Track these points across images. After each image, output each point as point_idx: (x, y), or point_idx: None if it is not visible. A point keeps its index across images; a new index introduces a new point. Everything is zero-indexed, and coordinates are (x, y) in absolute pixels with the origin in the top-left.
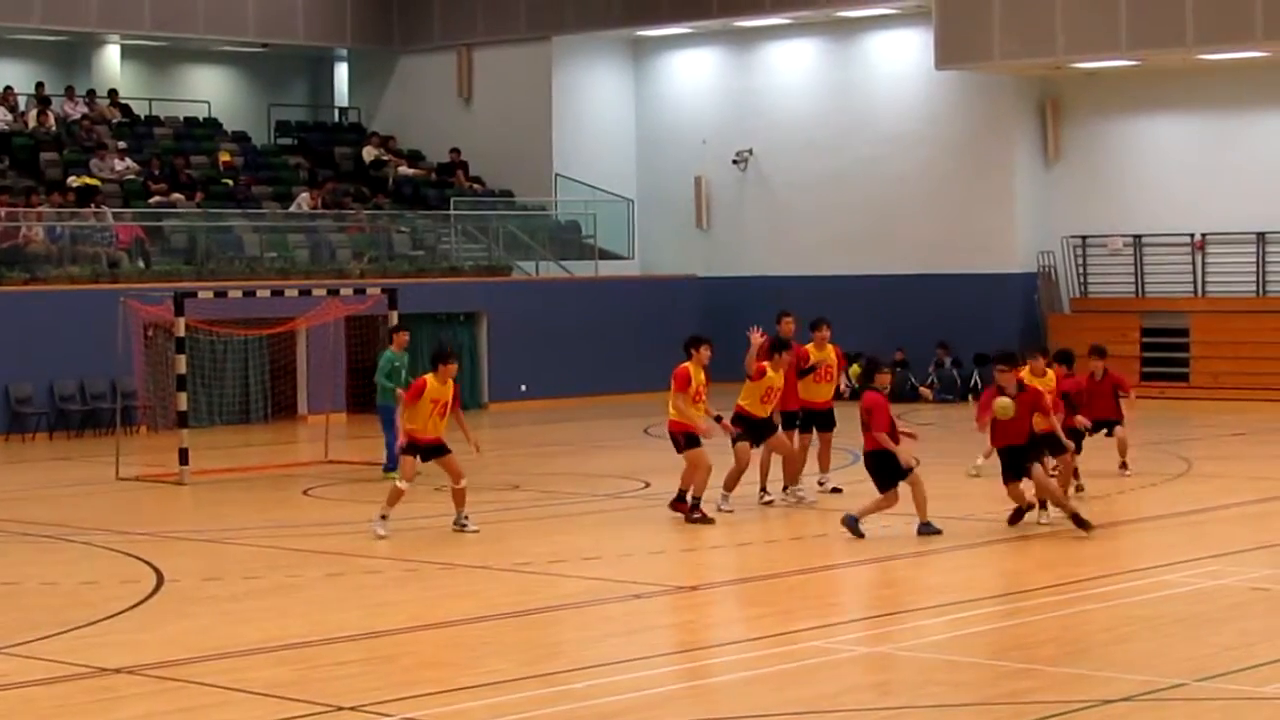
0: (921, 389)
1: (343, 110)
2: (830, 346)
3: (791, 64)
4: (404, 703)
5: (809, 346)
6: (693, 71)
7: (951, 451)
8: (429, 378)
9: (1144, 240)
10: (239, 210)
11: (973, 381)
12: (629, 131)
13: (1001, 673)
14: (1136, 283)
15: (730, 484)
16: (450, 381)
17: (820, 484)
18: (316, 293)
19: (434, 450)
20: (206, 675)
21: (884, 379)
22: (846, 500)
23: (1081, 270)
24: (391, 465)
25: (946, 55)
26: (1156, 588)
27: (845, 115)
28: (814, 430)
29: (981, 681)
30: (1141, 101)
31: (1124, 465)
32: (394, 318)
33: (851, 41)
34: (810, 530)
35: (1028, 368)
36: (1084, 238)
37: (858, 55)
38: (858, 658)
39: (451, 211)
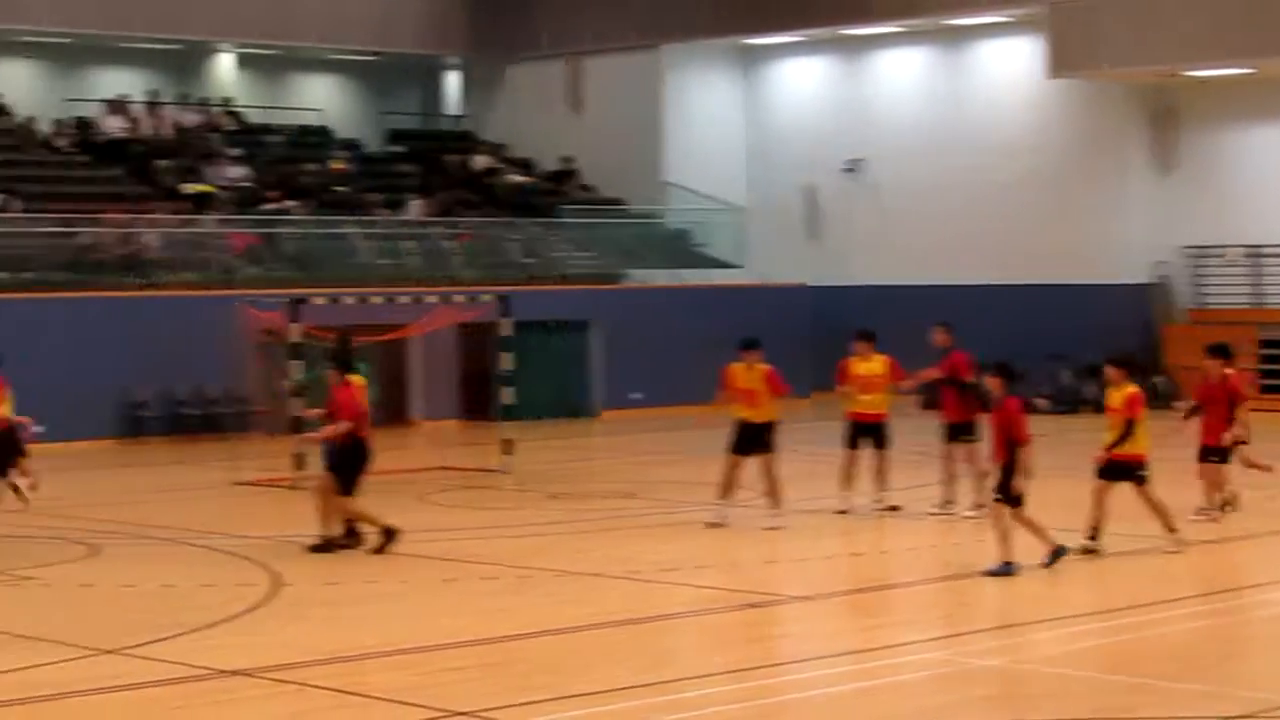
0: (1034, 400)
1: (454, 118)
2: (879, 357)
3: (901, 72)
4: (518, 709)
5: (854, 360)
6: (803, 80)
7: (1065, 465)
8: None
9: (1262, 251)
10: (351, 217)
11: (1087, 393)
12: (739, 139)
13: (1113, 687)
14: (1254, 294)
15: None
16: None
17: (876, 501)
18: (428, 300)
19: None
20: (323, 679)
21: (994, 382)
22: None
23: (1197, 281)
24: None
25: (1058, 64)
26: (1273, 604)
27: (955, 124)
28: (866, 444)
29: (1093, 696)
30: (1257, 110)
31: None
32: (507, 326)
33: (961, 50)
34: (924, 541)
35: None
36: (1200, 248)
37: (968, 63)
38: (969, 670)
39: (563, 219)
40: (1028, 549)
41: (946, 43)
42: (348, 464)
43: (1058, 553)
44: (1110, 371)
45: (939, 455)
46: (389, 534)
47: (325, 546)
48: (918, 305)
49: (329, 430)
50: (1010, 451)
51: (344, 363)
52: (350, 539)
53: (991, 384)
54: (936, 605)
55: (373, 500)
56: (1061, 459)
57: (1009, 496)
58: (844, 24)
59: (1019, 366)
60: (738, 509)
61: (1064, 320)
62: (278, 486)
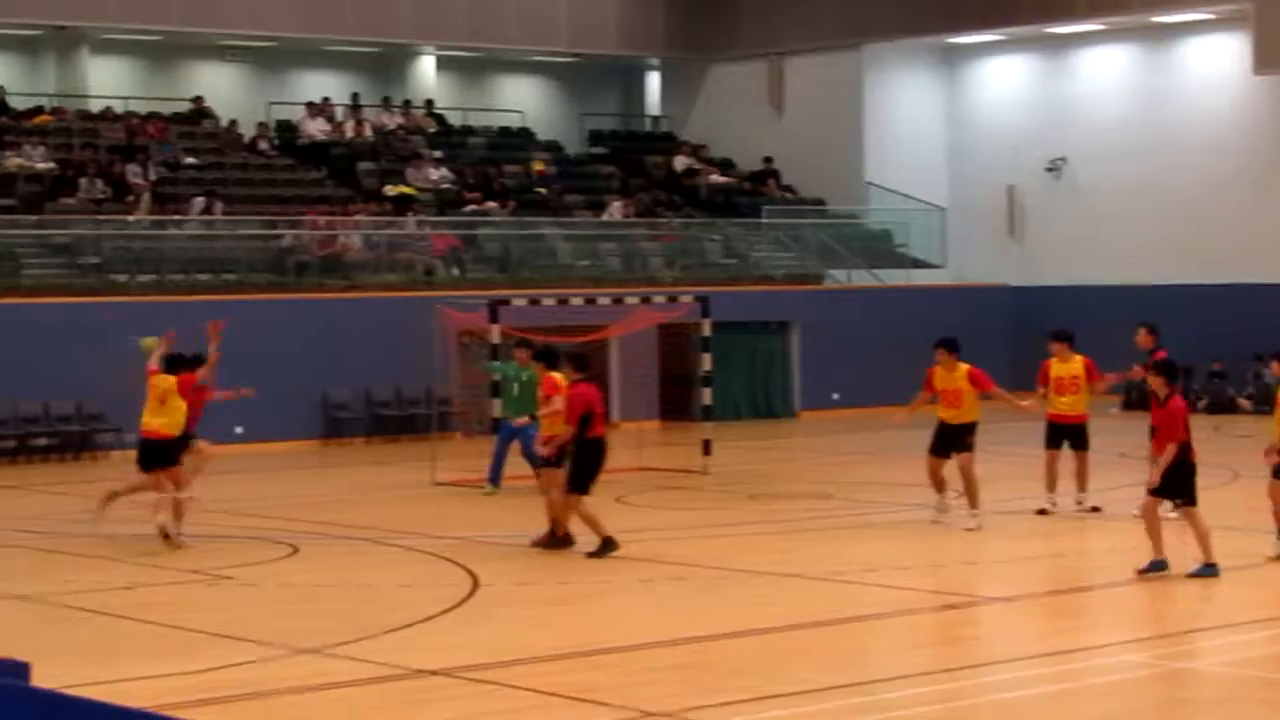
0: (1239, 400)
1: (654, 119)
2: (1076, 358)
3: (1104, 70)
4: (713, 710)
5: (1053, 361)
6: (1005, 79)
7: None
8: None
9: None
10: (551, 219)
11: None
12: (940, 139)
13: None
14: None
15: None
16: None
17: (1078, 503)
18: (629, 301)
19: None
20: (520, 679)
21: (1157, 382)
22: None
23: None
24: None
25: (1264, 60)
26: None
27: (1159, 122)
28: (1066, 445)
29: None
30: None
31: None
32: (707, 326)
33: (1165, 47)
34: (1126, 543)
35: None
36: None
37: (1172, 61)
38: (1170, 673)
39: (763, 220)
40: (1226, 551)
41: (1150, 40)
42: (589, 462)
43: (1156, 565)
44: (1276, 367)
45: (1146, 456)
46: (608, 544)
47: (557, 542)
48: (1120, 305)
49: (558, 433)
50: (1180, 451)
51: (551, 358)
52: (564, 540)
53: (1155, 383)
54: (1136, 607)
55: None
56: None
57: (1168, 493)
58: (1047, 22)
59: (1204, 367)
60: (949, 507)
61: (1270, 319)
62: (478, 487)
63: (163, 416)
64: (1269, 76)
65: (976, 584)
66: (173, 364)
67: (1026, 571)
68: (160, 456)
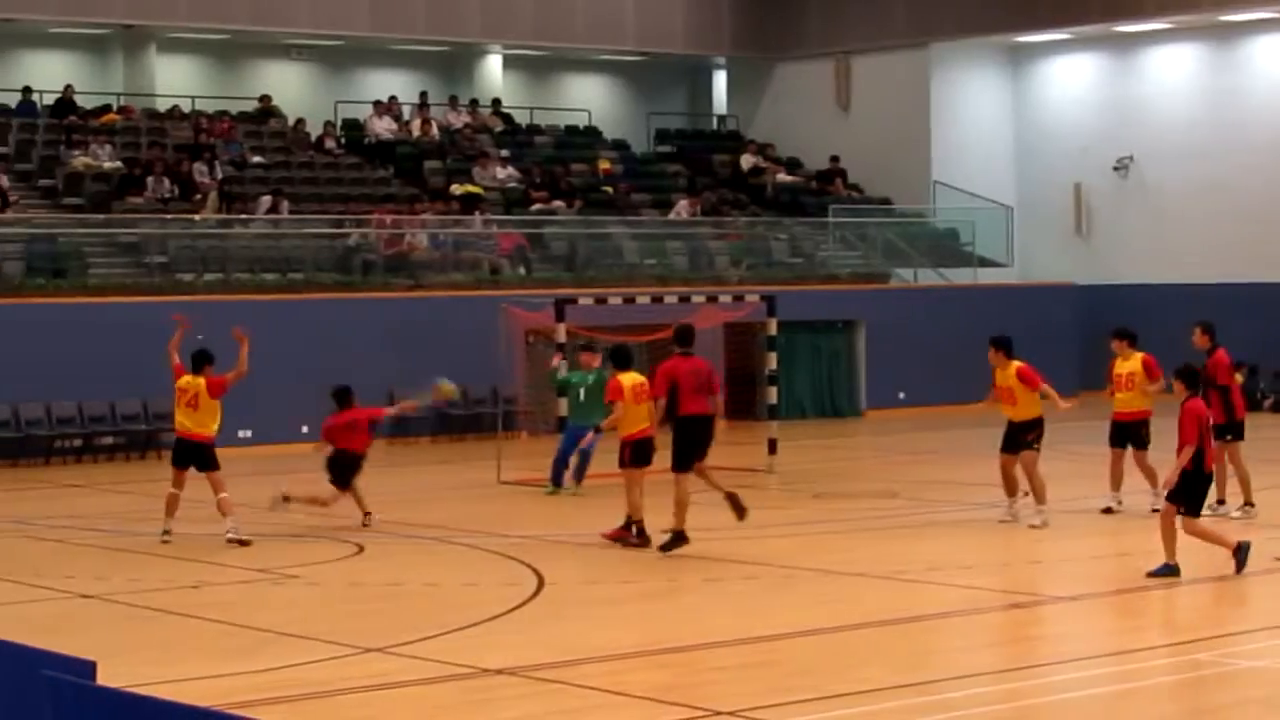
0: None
1: (721, 118)
2: (1137, 355)
3: (1172, 69)
4: (779, 708)
5: (1117, 360)
6: (1072, 77)
7: None
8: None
9: None
10: (618, 217)
11: None
12: (1007, 138)
13: None
14: None
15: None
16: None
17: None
18: (695, 299)
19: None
20: (585, 678)
21: (1178, 385)
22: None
23: None
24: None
25: None
26: None
27: (1226, 121)
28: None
29: None
30: None
31: None
32: (773, 325)
33: (1234, 46)
34: (1192, 541)
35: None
36: None
37: (1240, 60)
38: (1238, 672)
39: (829, 219)
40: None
41: (1218, 39)
42: (680, 440)
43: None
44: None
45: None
46: (678, 538)
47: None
48: (1187, 304)
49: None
50: (1195, 457)
51: (623, 359)
52: (640, 539)
53: (1177, 387)
54: (1202, 605)
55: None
56: None
57: (1177, 498)
58: (1115, 21)
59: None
60: (1017, 514)
61: None
62: (543, 486)
63: (195, 418)
64: None
65: (1041, 583)
66: (198, 361)
67: (1091, 570)
68: (194, 457)
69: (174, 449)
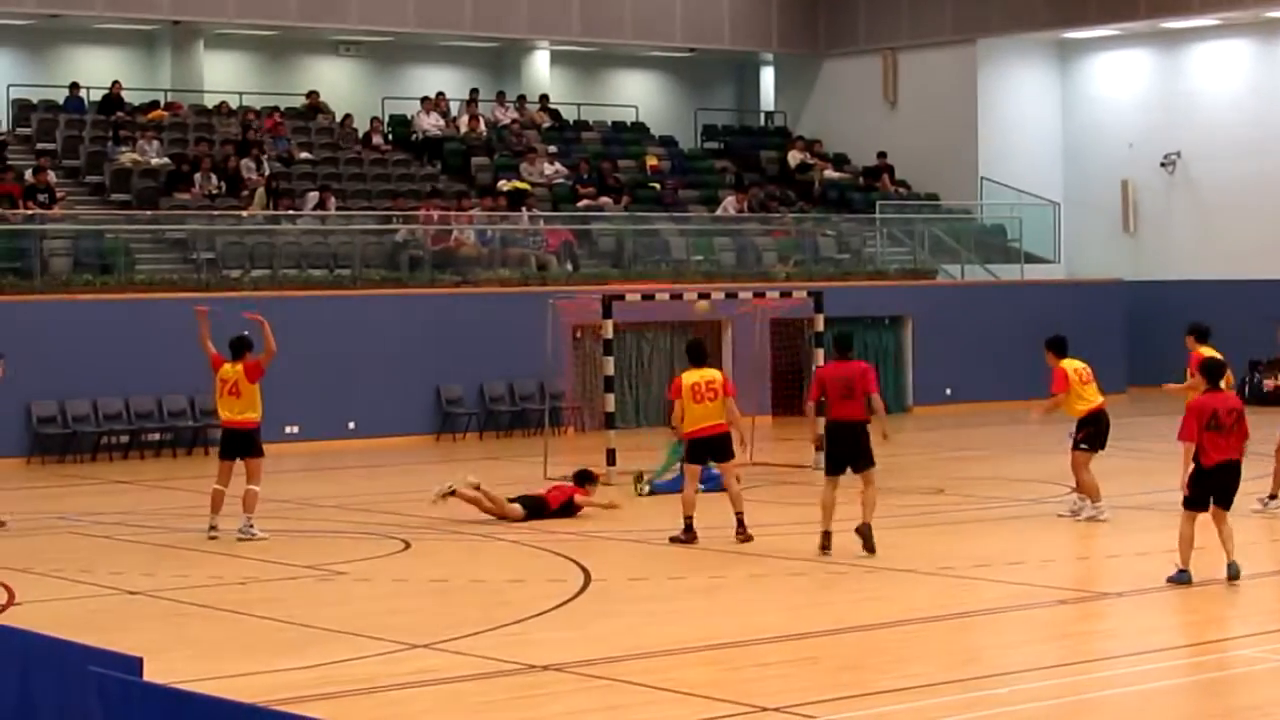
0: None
1: (768, 114)
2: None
3: (1220, 66)
4: (826, 704)
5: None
6: (1119, 74)
7: None
8: None
9: None
10: (665, 214)
11: None
12: (1055, 134)
13: None
14: None
15: None
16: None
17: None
18: (742, 295)
19: None
20: (632, 674)
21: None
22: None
23: None
24: None
25: None
26: None
27: (1274, 117)
28: None
29: None
30: None
31: None
32: (820, 321)
33: None
34: (1246, 537)
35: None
36: None
37: None
38: None
39: (877, 215)
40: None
41: (1266, 35)
42: (827, 445)
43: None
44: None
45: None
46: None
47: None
48: (1235, 301)
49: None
50: (1192, 453)
51: (697, 355)
52: (688, 535)
53: (1196, 381)
54: (1250, 602)
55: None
56: None
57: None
58: (1162, 17)
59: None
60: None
61: None
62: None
63: (238, 406)
64: None
65: (1090, 579)
66: (237, 349)
67: (1143, 565)
68: (240, 445)
69: (221, 442)
